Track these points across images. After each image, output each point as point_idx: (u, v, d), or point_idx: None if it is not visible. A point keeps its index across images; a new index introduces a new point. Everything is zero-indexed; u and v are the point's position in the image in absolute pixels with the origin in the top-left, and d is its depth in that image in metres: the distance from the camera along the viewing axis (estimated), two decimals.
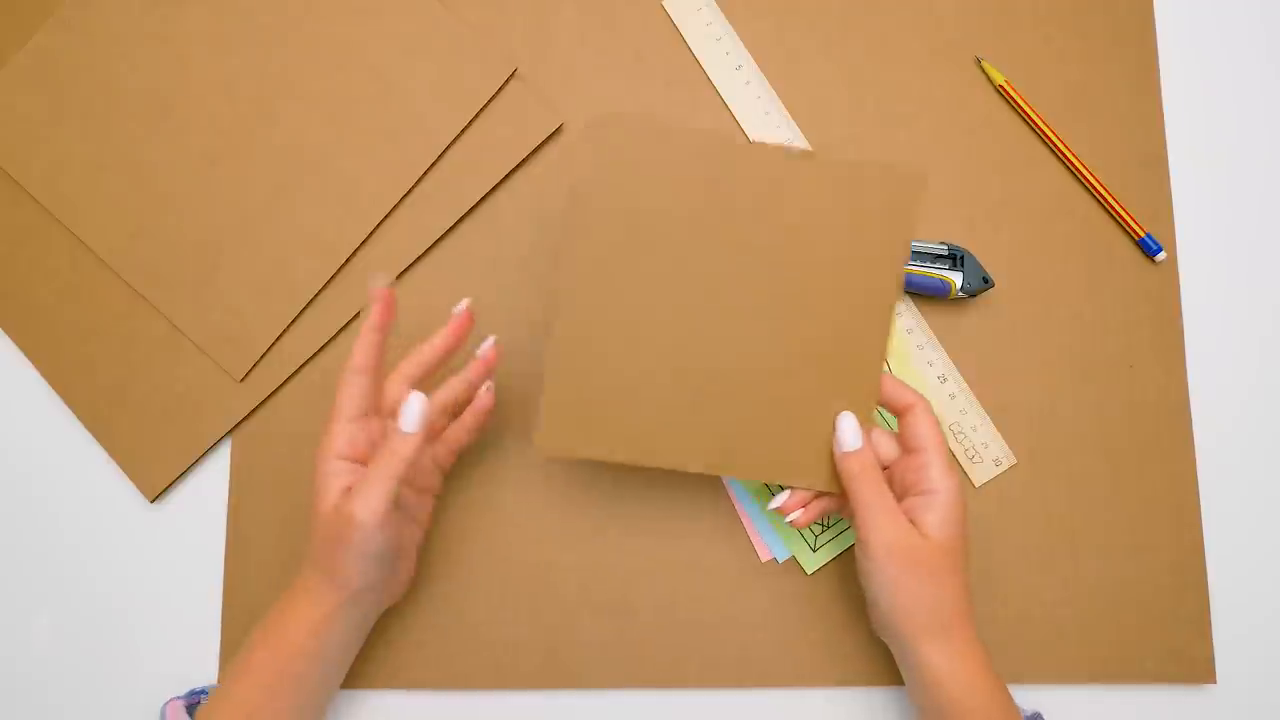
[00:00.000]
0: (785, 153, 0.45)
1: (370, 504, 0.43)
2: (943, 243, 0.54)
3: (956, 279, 0.53)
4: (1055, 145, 0.57)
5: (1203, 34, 0.60)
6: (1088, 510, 0.54)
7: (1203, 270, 0.57)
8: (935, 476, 0.45)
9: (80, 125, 0.57)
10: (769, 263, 0.46)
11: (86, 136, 0.56)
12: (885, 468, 0.47)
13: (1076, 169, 0.57)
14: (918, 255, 0.53)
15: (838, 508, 0.49)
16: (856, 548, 0.46)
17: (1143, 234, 0.56)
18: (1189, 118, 0.58)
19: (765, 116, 0.57)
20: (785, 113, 0.57)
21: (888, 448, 0.47)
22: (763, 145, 0.45)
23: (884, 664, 0.51)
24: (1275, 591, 0.54)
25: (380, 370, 0.47)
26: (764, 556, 0.53)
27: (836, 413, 0.46)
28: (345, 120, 0.56)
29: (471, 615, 0.52)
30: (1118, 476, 0.54)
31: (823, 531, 0.53)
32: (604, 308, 0.46)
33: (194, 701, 0.49)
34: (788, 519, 0.48)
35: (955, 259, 0.53)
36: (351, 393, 0.46)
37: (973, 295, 0.54)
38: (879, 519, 0.44)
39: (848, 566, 0.53)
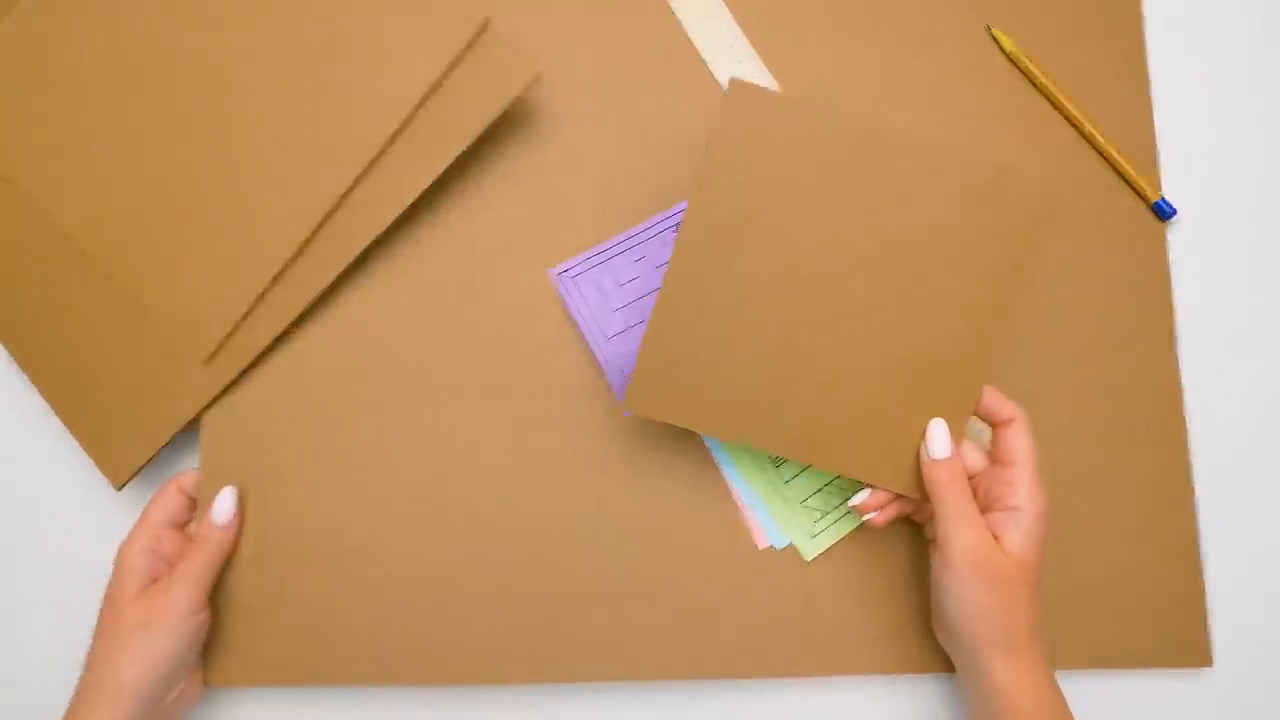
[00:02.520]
0: (924, 142, 0.44)
1: (187, 588, 0.46)
2: None
3: None
4: (1066, 111, 0.54)
5: (1194, 32, 0.57)
6: (1079, 496, 0.53)
7: (1195, 250, 0.55)
8: (1023, 493, 0.45)
9: (41, 102, 0.52)
10: (888, 255, 0.45)
11: (47, 114, 0.52)
12: (970, 478, 0.47)
13: (1087, 133, 0.54)
14: None
15: (915, 511, 0.49)
16: (934, 555, 0.46)
17: (1157, 198, 0.53)
18: (1179, 91, 0.56)
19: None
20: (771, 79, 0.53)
21: (974, 458, 0.47)
22: (903, 132, 0.44)
23: (883, 654, 0.51)
24: (1270, 574, 0.54)
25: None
26: (761, 544, 0.51)
27: (929, 418, 0.46)
28: (308, 87, 0.51)
29: (459, 609, 0.51)
30: (1109, 461, 0.53)
31: (822, 517, 0.51)
32: (714, 275, 0.45)
33: None
34: (865, 518, 0.48)
35: None
36: (166, 504, 0.49)
37: None
38: (962, 528, 0.44)
39: (847, 553, 0.52)
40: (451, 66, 0.52)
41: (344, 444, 0.52)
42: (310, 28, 0.52)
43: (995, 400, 0.46)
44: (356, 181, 0.52)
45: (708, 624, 0.51)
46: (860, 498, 0.48)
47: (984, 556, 0.44)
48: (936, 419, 0.46)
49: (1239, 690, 0.53)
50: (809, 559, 0.51)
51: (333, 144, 0.51)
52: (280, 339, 0.52)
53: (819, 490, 0.52)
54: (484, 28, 0.51)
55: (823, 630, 0.51)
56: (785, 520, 0.51)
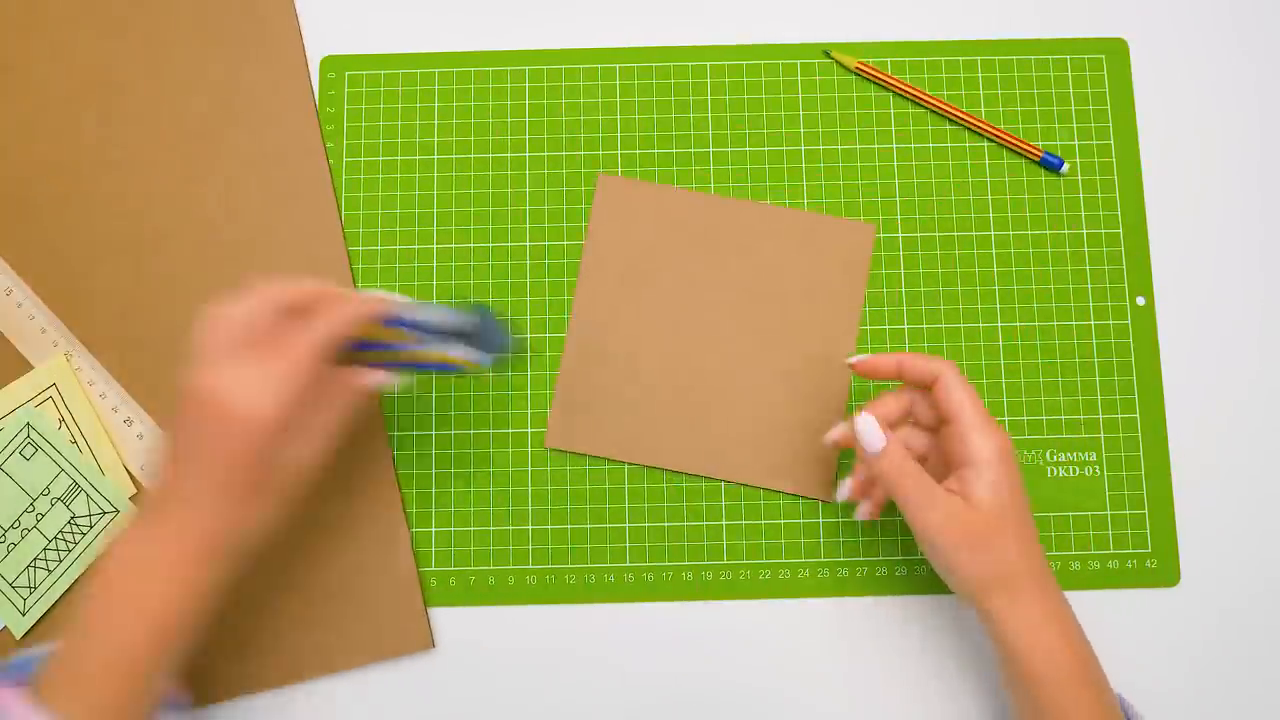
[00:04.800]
0: (756, 206, 0.56)
1: (324, 334, 0.43)
2: (474, 305, 0.48)
3: (475, 356, 0.47)
4: (941, 109, 0.59)
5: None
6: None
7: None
8: (975, 443, 0.45)
9: None
10: (747, 295, 0.56)
11: None
12: (924, 458, 0.49)
13: (970, 123, 0.59)
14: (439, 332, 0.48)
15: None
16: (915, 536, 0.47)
17: (1040, 154, 0.58)
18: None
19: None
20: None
21: (917, 439, 0.49)
22: (738, 200, 0.57)
23: None
24: (1235, 499, 0.57)
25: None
26: None
27: (812, 424, 0.55)
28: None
29: None
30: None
31: (31, 594, 0.55)
32: (608, 324, 0.56)
33: (22, 680, 0.43)
34: (856, 517, 0.51)
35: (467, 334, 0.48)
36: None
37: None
38: (921, 507, 0.45)
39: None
40: None
41: None
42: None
43: (916, 363, 0.47)
44: None
45: None
46: (844, 490, 0.50)
47: (948, 522, 0.44)
48: (861, 416, 0.46)
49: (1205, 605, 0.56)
50: (19, 637, 0.54)
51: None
52: None
53: (27, 568, 0.55)
54: None
55: None
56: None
